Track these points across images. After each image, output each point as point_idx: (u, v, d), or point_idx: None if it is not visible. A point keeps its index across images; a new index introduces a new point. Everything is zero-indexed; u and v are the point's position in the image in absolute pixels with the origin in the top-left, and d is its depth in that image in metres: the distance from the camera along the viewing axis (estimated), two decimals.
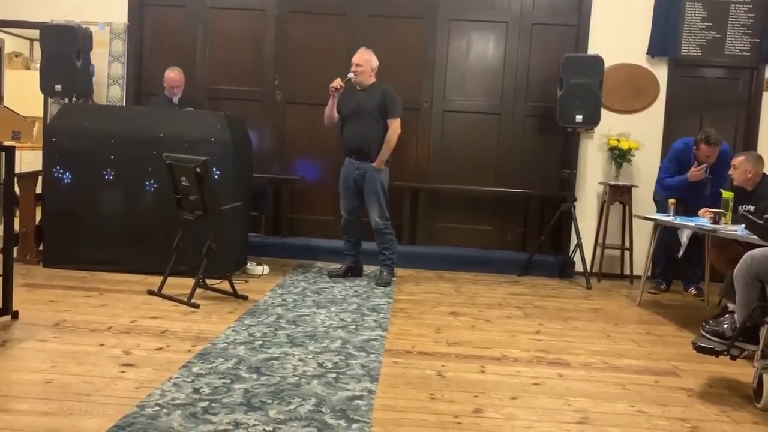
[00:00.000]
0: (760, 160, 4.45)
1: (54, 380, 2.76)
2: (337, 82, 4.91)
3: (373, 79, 5.03)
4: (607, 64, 5.58)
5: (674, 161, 5.23)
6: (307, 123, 6.14)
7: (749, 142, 5.87)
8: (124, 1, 6.05)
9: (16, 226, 5.14)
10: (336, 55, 5.99)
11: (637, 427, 2.65)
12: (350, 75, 4.94)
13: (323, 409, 2.56)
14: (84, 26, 5.69)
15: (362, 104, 4.96)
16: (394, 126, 4.96)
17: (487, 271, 5.80)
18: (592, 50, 5.82)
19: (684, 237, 4.91)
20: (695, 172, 5.01)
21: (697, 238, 4.80)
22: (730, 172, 4.51)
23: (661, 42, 5.85)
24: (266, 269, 5.22)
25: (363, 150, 4.98)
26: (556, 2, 6.09)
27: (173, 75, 5.57)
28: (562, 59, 5.57)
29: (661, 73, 5.93)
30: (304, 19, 6.17)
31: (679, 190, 5.10)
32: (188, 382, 2.79)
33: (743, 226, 3.57)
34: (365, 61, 4.97)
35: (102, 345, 3.24)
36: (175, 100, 5.58)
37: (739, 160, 4.47)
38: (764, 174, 4.45)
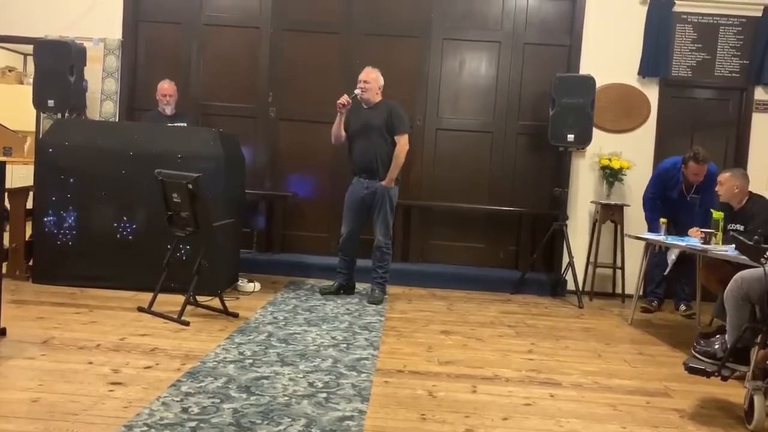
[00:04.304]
0: (745, 176, 4.48)
1: (41, 399, 2.72)
2: (345, 98, 4.91)
3: (379, 97, 5.04)
4: (598, 84, 5.63)
5: (659, 181, 5.28)
6: (300, 140, 6.17)
7: (739, 163, 5.91)
8: (119, 17, 6.08)
9: (6, 242, 5.11)
10: (330, 73, 6.03)
11: None
12: (357, 91, 4.96)
13: (313, 430, 2.54)
14: (78, 42, 5.70)
15: (369, 122, 4.96)
16: (402, 142, 4.96)
17: (479, 289, 5.79)
18: (583, 70, 5.88)
19: (672, 255, 4.93)
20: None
21: (687, 255, 4.82)
22: (716, 188, 4.55)
23: (652, 63, 5.91)
24: (257, 286, 5.19)
25: (372, 168, 4.96)
26: (548, 22, 6.15)
27: (165, 85, 5.62)
28: (554, 79, 5.62)
29: (652, 93, 5.99)
30: (298, 37, 6.20)
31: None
32: (177, 401, 2.76)
33: (733, 246, 3.59)
34: (373, 79, 4.99)
35: (90, 363, 3.21)
36: (168, 111, 5.59)
37: (725, 176, 4.49)
38: (751, 192, 4.48)
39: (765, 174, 5.67)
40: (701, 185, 5.08)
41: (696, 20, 5.97)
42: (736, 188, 4.41)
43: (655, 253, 5.18)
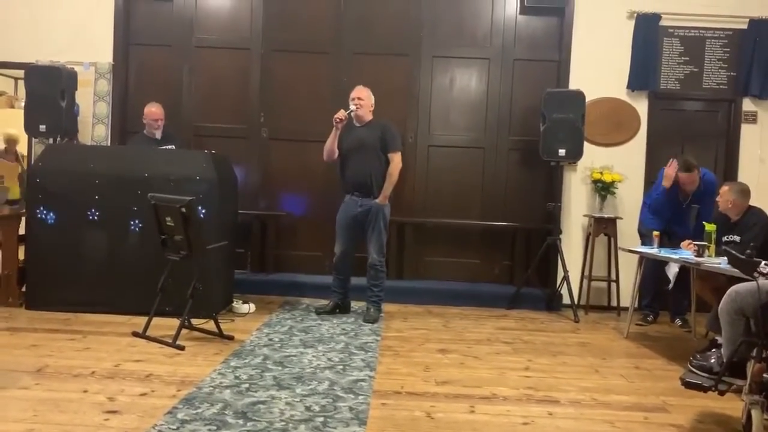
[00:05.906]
0: (744, 192, 4.49)
1: (35, 430, 2.70)
2: (342, 113, 4.93)
3: (371, 116, 5.08)
4: (588, 98, 5.67)
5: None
6: (292, 159, 6.18)
7: (729, 173, 5.96)
8: (110, 41, 6.09)
9: None
10: (321, 93, 6.06)
11: None
12: (352, 107, 4.98)
13: None
14: (69, 66, 5.70)
15: (363, 140, 4.98)
16: (396, 160, 4.99)
17: (475, 305, 5.79)
18: (573, 85, 5.92)
19: (675, 268, 4.90)
20: (668, 171, 5.08)
21: (684, 268, 4.83)
22: (717, 198, 4.59)
23: (641, 76, 5.97)
24: (252, 307, 5.17)
25: (366, 185, 4.97)
26: (536, 38, 6.20)
27: (153, 109, 5.55)
28: (544, 94, 5.66)
29: (641, 106, 6.03)
30: (288, 58, 6.23)
31: (663, 209, 5.16)
32: (173, 429, 2.74)
33: (726, 259, 3.60)
34: (366, 97, 5.04)
35: (85, 391, 3.18)
36: (158, 135, 5.56)
37: (724, 189, 4.55)
38: (750, 206, 4.50)
39: (754, 184, 5.69)
40: (698, 196, 5.11)
41: (683, 34, 6.03)
42: (729, 203, 4.44)
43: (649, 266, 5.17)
